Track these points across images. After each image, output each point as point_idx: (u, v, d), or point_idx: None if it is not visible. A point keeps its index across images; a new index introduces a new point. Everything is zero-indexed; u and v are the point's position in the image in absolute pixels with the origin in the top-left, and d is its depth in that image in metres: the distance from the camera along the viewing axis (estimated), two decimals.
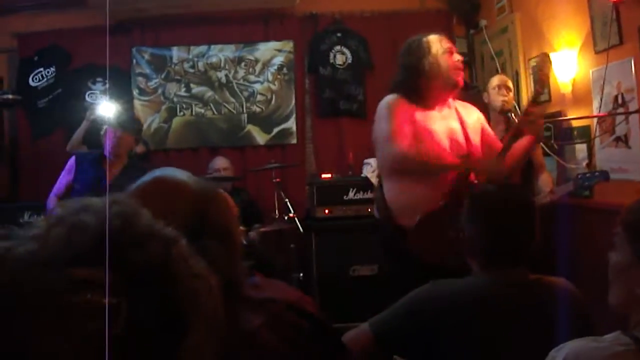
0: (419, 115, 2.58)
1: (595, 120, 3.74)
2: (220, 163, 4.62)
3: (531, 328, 1.46)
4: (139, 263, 0.55)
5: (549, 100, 4.33)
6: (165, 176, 1.09)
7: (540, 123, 2.69)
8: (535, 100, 2.64)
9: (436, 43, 2.67)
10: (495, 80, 3.99)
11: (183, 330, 0.56)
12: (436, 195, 2.49)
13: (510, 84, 4.02)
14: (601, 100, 3.64)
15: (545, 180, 3.75)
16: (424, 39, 2.68)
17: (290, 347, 1.01)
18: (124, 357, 0.53)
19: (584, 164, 3.86)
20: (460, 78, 2.69)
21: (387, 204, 2.60)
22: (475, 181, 2.55)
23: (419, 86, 2.62)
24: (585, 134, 3.95)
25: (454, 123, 2.65)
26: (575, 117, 3.98)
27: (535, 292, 1.54)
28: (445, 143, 2.57)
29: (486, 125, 2.85)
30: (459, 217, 1.68)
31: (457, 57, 2.70)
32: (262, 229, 4.45)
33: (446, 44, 2.70)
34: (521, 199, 1.64)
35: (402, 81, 2.67)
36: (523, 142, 2.64)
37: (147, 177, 1.10)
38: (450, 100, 2.73)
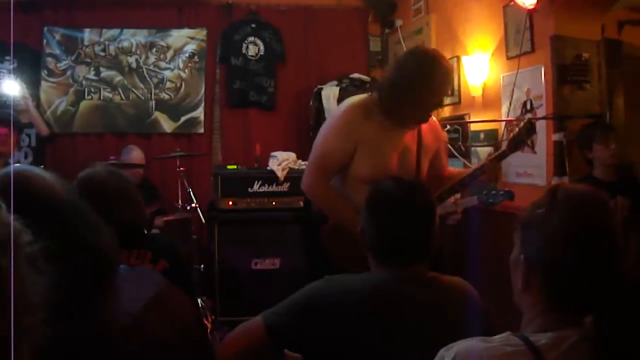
0: (375, 130, 2.37)
1: (503, 124, 3.74)
2: (136, 153, 4.57)
3: (426, 326, 1.44)
4: None
5: (459, 102, 4.33)
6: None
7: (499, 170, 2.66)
8: (499, 158, 2.55)
9: (441, 76, 2.33)
10: None
11: None
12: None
13: None
14: (510, 105, 3.66)
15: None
16: (435, 64, 2.30)
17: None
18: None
19: None
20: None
21: None
22: None
23: (396, 108, 2.36)
24: (492, 137, 3.95)
25: (411, 144, 2.46)
26: (483, 120, 3.98)
27: (432, 290, 1.53)
28: (393, 162, 2.40)
29: (443, 149, 2.72)
30: None
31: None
32: (165, 218, 4.42)
33: (448, 79, 2.39)
34: (421, 195, 1.61)
35: (383, 96, 2.37)
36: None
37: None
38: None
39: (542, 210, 1.09)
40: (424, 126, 2.51)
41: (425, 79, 2.27)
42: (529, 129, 2.51)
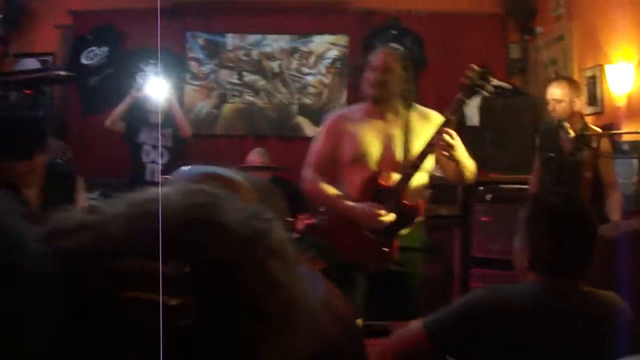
0: (356, 125, 2.77)
1: None
2: (255, 156, 4.58)
3: (582, 338, 1.46)
4: (208, 261, 0.50)
5: (602, 112, 4.29)
6: (218, 172, 1.01)
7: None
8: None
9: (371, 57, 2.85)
10: (551, 91, 3.88)
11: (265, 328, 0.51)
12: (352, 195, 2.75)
13: (562, 94, 3.78)
14: None
15: (615, 201, 3.55)
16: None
17: None
18: (190, 355, 0.48)
19: (634, 179, 3.78)
20: (376, 91, 2.76)
21: None
22: (385, 184, 2.71)
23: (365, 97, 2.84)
24: (637, 149, 3.88)
25: (397, 132, 2.74)
26: (628, 132, 3.90)
27: (588, 302, 1.55)
28: (377, 151, 2.71)
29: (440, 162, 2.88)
30: None
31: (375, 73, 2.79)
32: (307, 221, 4.40)
33: (375, 59, 2.81)
34: (582, 208, 1.65)
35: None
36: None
37: (194, 171, 1.00)
38: (403, 109, 2.80)
39: None
40: (416, 117, 2.79)
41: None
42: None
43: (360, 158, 2.70)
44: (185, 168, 1.07)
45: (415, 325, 1.58)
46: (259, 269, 0.51)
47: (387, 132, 2.75)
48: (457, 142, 2.64)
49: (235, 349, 0.49)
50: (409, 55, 2.99)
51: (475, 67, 2.73)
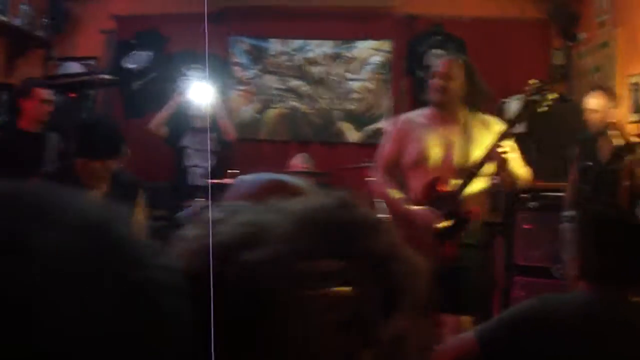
0: (419, 128, 2.90)
1: None
2: (299, 160, 4.61)
3: (631, 348, 1.48)
4: (368, 251, 0.57)
5: None
6: (285, 180, 1.02)
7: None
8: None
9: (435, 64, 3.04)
10: (588, 101, 3.89)
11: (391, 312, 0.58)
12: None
13: (598, 105, 3.80)
14: None
15: None
16: None
17: None
18: (349, 343, 0.54)
19: None
20: (437, 97, 2.88)
21: None
22: (443, 189, 2.83)
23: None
24: None
25: (458, 138, 2.83)
26: None
27: (638, 314, 1.56)
28: (437, 155, 2.83)
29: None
30: None
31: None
32: None
33: (438, 66, 2.95)
34: (631, 218, 1.76)
35: None
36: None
37: (260, 178, 1.02)
38: (466, 115, 2.87)
39: None
40: (477, 124, 2.87)
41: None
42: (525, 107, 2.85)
43: (421, 161, 2.83)
44: (248, 175, 1.06)
45: (467, 334, 1.62)
46: (400, 253, 0.59)
47: (448, 138, 2.85)
48: (512, 154, 2.75)
49: (385, 319, 0.56)
50: (471, 64, 3.01)
51: (534, 81, 2.86)
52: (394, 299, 0.57)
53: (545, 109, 2.94)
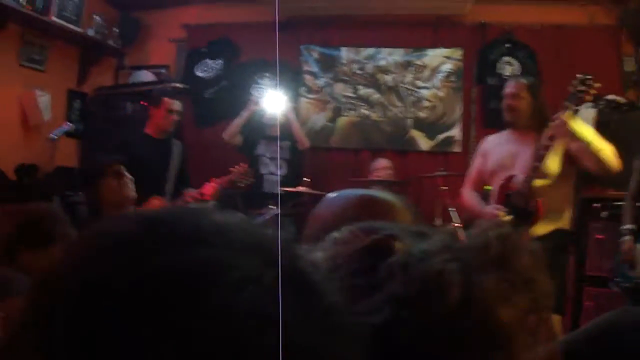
0: (496, 144, 3.36)
1: None
2: (383, 162, 4.63)
3: None
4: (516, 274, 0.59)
5: None
6: (375, 195, 1.03)
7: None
8: None
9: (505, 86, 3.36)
10: None
11: None
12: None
13: None
14: None
15: None
16: None
17: None
18: None
19: None
20: (508, 116, 3.27)
21: None
22: (510, 187, 3.13)
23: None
24: None
25: (529, 149, 3.05)
26: None
27: None
28: (510, 164, 3.16)
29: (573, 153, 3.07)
30: None
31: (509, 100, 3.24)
32: None
33: (507, 88, 3.29)
34: None
35: None
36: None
37: (351, 195, 1.02)
38: (535, 131, 3.09)
39: None
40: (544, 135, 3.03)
41: None
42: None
43: (497, 170, 3.22)
44: (337, 192, 1.07)
45: (551, 346, 1.63)
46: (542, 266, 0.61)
47: (520, 149, 3.16)
48: (575, 122, 2.93)
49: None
50: (537, 84, 3.41)
51: (579, 75, 3.02)
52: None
53: (590, 101, 3.38)
